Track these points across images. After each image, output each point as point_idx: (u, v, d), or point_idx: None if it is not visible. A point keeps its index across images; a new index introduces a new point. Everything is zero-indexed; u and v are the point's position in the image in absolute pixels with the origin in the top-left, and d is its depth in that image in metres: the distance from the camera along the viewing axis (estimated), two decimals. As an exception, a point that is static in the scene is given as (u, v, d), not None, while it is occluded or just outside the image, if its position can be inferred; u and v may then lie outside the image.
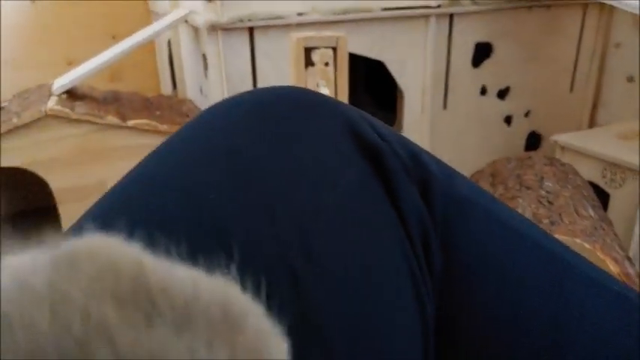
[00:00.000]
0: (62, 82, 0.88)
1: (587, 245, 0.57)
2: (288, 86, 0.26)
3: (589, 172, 0.91)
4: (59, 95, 0.86)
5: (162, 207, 0.21)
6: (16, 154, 0.80)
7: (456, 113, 1.04)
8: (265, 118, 0.24)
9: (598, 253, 0.57)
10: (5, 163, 0.79)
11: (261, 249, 0.20)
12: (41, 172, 0.82)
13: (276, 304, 0.20)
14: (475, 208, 0.26)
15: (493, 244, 0.25)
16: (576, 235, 0.60)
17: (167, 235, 0.20)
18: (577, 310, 0.24)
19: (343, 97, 0.68)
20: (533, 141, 1.14)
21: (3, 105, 0.91)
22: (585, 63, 1.13)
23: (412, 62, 0.98)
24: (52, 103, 0.82)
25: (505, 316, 0.24)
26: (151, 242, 0.19)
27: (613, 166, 0.88)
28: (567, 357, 0.23)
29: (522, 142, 1.13)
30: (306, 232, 0.21)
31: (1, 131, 0.78)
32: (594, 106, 1.17)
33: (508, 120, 1.10)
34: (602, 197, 0.90)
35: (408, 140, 0.27)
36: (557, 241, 0.27)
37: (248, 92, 0.26)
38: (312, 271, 0.21)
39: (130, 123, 0.84)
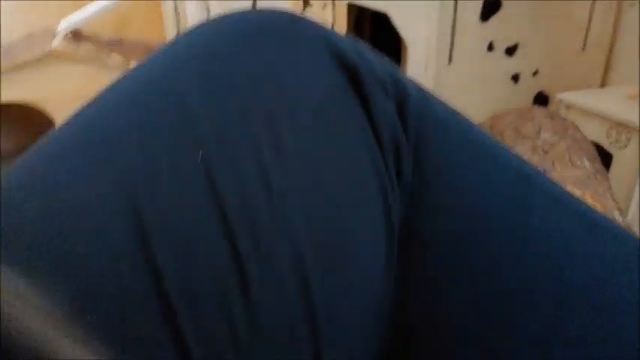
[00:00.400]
0: (67, 22, 0.88)
1: (577, 191, 0.57)
2: (272, 10, 0.27)
3: (593, 131, 0.90)
4: (64, 35, 0.87)
5: (147, 112, 0.22)
6: (21, 90, 0.81)
7: (460, 69, 1.02)
8: (246, 35, 0.25)
9: (588, 200, 0.57)
10: (11, 97, 0.81)
11: (230, 138, 0.21)
12: (47, 109, 0.83)
13: (243, 192, 0.21)
14: (449, 128, 0.27)
15: (463, 161, 0.26)
16: (567, 182, 0.59)
17: (149, 138, 0.21)
18: (542, 224, 0.24)
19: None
20: (541, 101, 1.12)
21: (9, 44, 0.92)
22: (599, 21, 1.10)
23: (417, 14, 0.96)
24: (56, 42, 0.83)
25: (468, 229, 0.24)
26: (137, 145, 0.20)
27: (618, 125, 0.86)
28: (532, 269, 0.23)
29: (529, 102, 1.11)
30: (278, 129, 0.22)
31: (7, 67, 0.79)
32: (606, 67, 1.14)
33: (515, 78, 1.08)
34: (606, 158, 0.89)
35: (391, 64, 0.27)
36: (529, 164, 0.27)
37: (232, 14, 0.27)
38: (281, 163, 0.21)
39: (134, 63, 0.84)
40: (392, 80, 0.26)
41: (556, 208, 0.25)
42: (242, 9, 0.26)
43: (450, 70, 1.01)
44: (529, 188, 0.25)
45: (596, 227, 0.25)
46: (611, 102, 0.90)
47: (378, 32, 1.21)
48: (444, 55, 1.00)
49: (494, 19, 1.01)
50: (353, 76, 0.25)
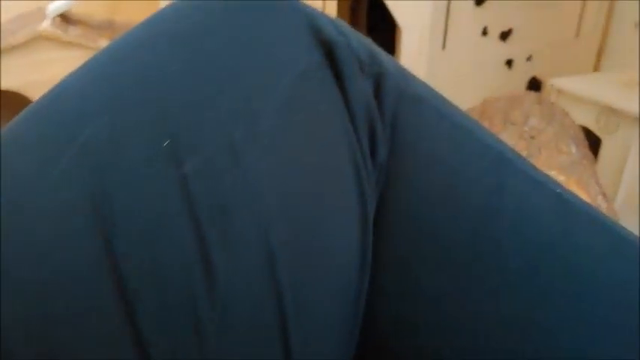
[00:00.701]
0: (57, 4, 0.88)
1: (561, 177, 0.58)
2: None
3: (583, 116, 0.90)
4: (53, 18, 0.86)
5: (122, 79, 0.21)
6: (8, 76, 0.81)
7: (455, 54, 1.02)
8: (222, 10, 0.24)
9: (572, 186, 0.58)
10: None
11: (202, 119, 0.21)
12: (33, 95, 0.83)
13: (215, 173, 0.21)
14: (426, 106, 0.26)
15: (438, 138, 0.26)
16: (552, 168, 0.60)
17: (118, 120, 0.21)
18: (516, 204, 0.24)
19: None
20: (534, 86, 1.12)
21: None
22: (593, 7, 1.10)
23: (412, -1, 0.95)
24: (45, 25, 0.83)
25: (440, 205, 0.24)
26: (111, 121, 0.20)
27: (607, 111, 0.87)
28: (504, 245, 0.23)
29: (523, 87, 1.12)
30: (253, 107, 0.22)
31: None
32: (599, 53, 1.14)
33: (509, 63, 1.08)
34: (595, 143, 0.89)
35: (369, 41, 0.27)
36: (506, 145, 0.27)
37: None
38: (254, 142, 0.21)
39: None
40: (370, 57, 0.25)
41: (530, 188, 0.25)
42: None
43: (444, 55, 1.01)
44: (503, 168, 0.25)
45: (570, 207, 0.25)
46: (602, 88, 0.90)
47: (375, 17, 1.21)
48: (438, 40, 0.99)
49: (488, 4, 1.00)
50: (330, 53, 0.24)
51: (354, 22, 1.27)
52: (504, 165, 0.25)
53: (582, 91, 0.90)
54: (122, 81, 0.21)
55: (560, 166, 0.61)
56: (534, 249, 0.23)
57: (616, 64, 1.13)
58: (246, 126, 0.21)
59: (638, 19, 1.08)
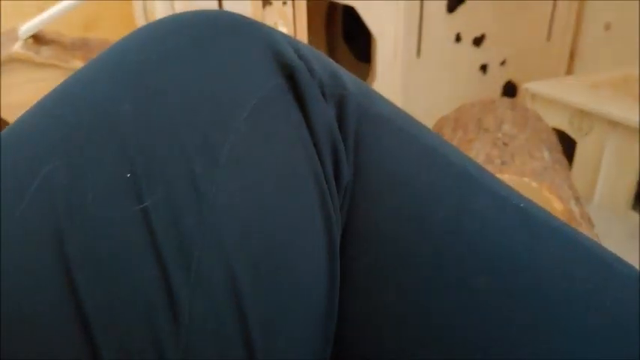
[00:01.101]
0: (28, 25, 0.87)
1: (534, 184, 0.58)
2: (213, 10, 0.26)
3: (557, 119, 0.92)
4: (25, 39, 0.85)
5: (76, 119, 0.21)
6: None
7: (429, 61, 1.03)
8: (182, 40, 0.24)
9: (545, 192, 0.58)
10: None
11: (161, 155, 0.21)
12: (9, 117, 0.82)
13: (176, 209, 0.21)
14: (390, 125, 0.26)
15: (403, 157, 0.26)
16: (525, 175, 0.61)
17: (76, 157, 0.21)
18: (479, 221, 0.24)
19: (302, 36, 0.67)
20: (509, 90, 1.14)
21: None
22: (563, 11, 1.12)
23: (384, 7, 0.96)
24: (17, 47, 0.82)
25: (406, 227, 0.24)
26: (65, 150, 0.20)
27: (580, 113, 0.88)
28: (468, 263, 0.23)
29: (498, 92, 1.13)
30: (212, 140, 0.22)
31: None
32: (571, 55, 1.16)
33: (483, 69, 1.10)
34: (570, 145, 0.91)
35: (330, 61, 0.27)
36: (470, 160, 0.28)
37: (171, 15, 0.26)
38: (213, 175, 0.21)
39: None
40: (331, 79, 0.25)
41: (493, 204, 0.25)
42: (207, 7, 0.26)
43: (418, 63, 1.02)
44: (466, 185, 0.25)
45: (534, 221, 0.25)
46: (575, 90, 0.92)
47: (351, 26, 1.22)
48: (412, 48, 1.00)
49: (460, 11, 1.02)
50: (291, 77, 0.24)
51: (329, 30, 1.27)
52: (467, 182, 0.25)
53: (555, 94, 0.92)
54: (81, 117, 0.21)
55: (533, 173, 0.62)
56: (497, 265, 0.23)
57: (588, 66, 1.15)
58: (206, 160, 0.21)
59: (607, 20, 1.10)
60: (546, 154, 0.69)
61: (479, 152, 0.66)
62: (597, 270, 0.24)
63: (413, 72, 1.02)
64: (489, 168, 0.62)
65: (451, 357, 0.23)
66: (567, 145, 0.90)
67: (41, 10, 0.94)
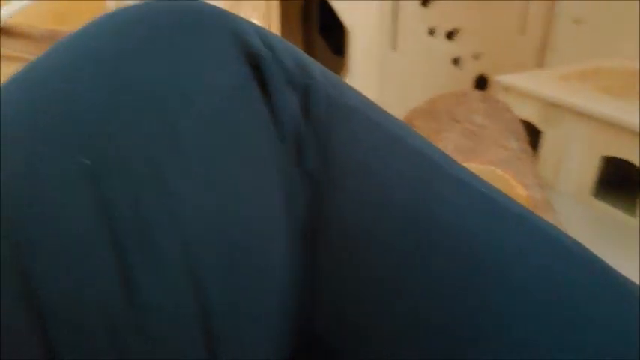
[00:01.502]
0: (7, 9, 0.85)
1: (499, 172, 0.60)
2: (177, 0, 0.26)
3: (527, 111, 0.94)
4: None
5: (37, 105, 0.21)
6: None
7: (404, 54, 1.04)
8: (147, 31, 0.24)
9: (510, 180, 0.60)
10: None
11: (126, 145, 0.21)
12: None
13: (137, 196, 0.21)
14: (358, 115, 0.27)
15: (369, 146, 0.26)
16: (492, 164, 0.63)
17: (40, 145, 0.20)
18: (443, 206, 0.25)
19: (275, 29, 0.68)
20: (482, 83, 1.16)
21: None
22: (535, 5, 1.14)
23: (358, 1, 0.97)
24: (-14, 39, 0.81)
25: (372, 215, 0.25)
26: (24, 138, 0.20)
27: (548, 105, 0.90)
28: (433, 258, 0.24)
29: (470, 85, 1.15)
30: (175, 127, 0.22)
31: None
32: (542, 49, 1.19)
33: (456, 62, 1.11)
34: (538, 136, 0.93)
35: (299, 51, 0.27)
36: (436, 149, 0.28)
37: (134, 5, 0.26)
38: (176, 162, 0.21)
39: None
40: (298, 68, 0.25)
41: (456, 190, 0.26)
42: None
43: (394, 56, 1.03)
44: (431, 173, 0.26)
45: (495, 205, 0.26)
46: (543, 83, 0.94)
47: (327, 19, 1.22)
48: (387, 41, 1.02)
49: (433, 5, 1.03)
50: (257, 66, 0.24)
51: (305, 24, 1.28)
52: (431, 169, 0.26)
53: (526, 86, 0.94)
54: (40, 109, 0.21)
55: (500, 162, 0.64)
56: (457, 246, 0.24)
57: (559, 59, 1.17)
58: (169, 148, 0.21)
59: (577, 14, 1.12)
60: (514, 144, 0.71)
61: (449, 142, 0.68)
62: (556, 253, 0.25)
63: (388, 65, 1.03)
64: (458, 157, 0.64)
65: (416, 339, 0.23)
66: (536, 135, 0.92)
67: None
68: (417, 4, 1.02)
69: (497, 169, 0.60)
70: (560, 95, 0.88)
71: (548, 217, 0.59)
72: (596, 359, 0.22)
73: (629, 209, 0.80)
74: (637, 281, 0.25)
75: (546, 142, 0.92)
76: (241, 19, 0.27)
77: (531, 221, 0.26)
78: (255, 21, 0.67)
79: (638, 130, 0.76)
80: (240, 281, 0.22)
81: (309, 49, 1.29)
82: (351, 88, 0.28)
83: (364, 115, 0.27)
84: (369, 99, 0.29)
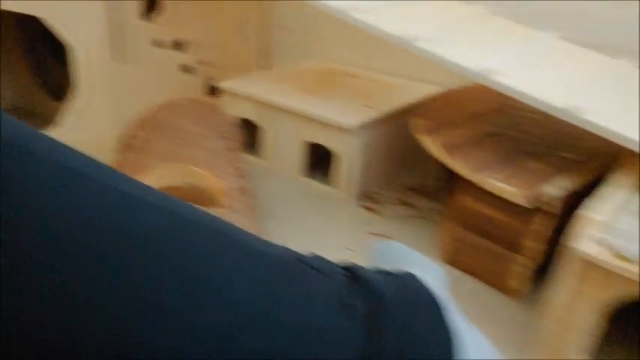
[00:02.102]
0: None
1: (193, 168, 0.72)
2: None
3: (246, 111, 1.09)
4: None
5: None
6: None
7: (132, 67, 1.10)
8: None
9: (203, 173, 0.72)
10: None
11: None
12: None
13: None
14: (34, 158, 0.28)
15: (48, 188, 0.27)
16: (195, 164, 0.74)
17: None
18: (126, 225, 0.29)
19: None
20: (211, 89, 1.28)
21: None
22: (254, 16, 1.31)
23: (80, 16, 0.99)
24: None
25: (30, 226, 0.26)
26: None
27: (263, 105, 1.07)
28: (85, 242, 0.27)
29: (201, 92, 1.27)
30: None
31: None
32: (263, 55, 1.37)
33: (187, 70, 1.21)
34: (257, 130, 1.09)
35: None
36: (119, 175, 0.31)
37: None
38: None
39: None
40: None
41: (136, 206, 0.29)
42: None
43: (123, 68, 1.08)
44: (115, 201, 0.29)
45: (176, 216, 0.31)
46: (259, 86, 1.10)
47: (34, 37, 1.20)
48: (114, 55, 1.06)
49: (157, 17, 1.11)
50: None
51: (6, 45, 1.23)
52: (117, 198, 0.29)
53: (244, 90, 1.08)
54: None
55: (204, 162, 0.75)
56: (131, 242, 0.28)
57: (277, 64, 1.37)
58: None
59: (289, 25, 1.33)
60: (220, 143, 0.83)
61: (159, 149, 0.77)
62: (237, 259, 0.31)
63: (117, 77, 1.08)
64: (162, 160, 0.73)
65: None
66: (256, 130, 1.08)
67: None
68: (140, 17, 1.08)
69: (192, 165, 0.71)
70: (270, 96, 1.05)
71: (240, 200, 0.73)
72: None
73: (327, 181, 1.01)
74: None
75: (264, 135, 1.08)
76: None
77: (207, 222, 0.32)
78: None
79: (326, 121, 0.96)
80: None
81: (8, 69, 1.25)
82: (36, 132, 0.29)
83: (41, 158, 0.28)
84: (55, 140, 0.30)
